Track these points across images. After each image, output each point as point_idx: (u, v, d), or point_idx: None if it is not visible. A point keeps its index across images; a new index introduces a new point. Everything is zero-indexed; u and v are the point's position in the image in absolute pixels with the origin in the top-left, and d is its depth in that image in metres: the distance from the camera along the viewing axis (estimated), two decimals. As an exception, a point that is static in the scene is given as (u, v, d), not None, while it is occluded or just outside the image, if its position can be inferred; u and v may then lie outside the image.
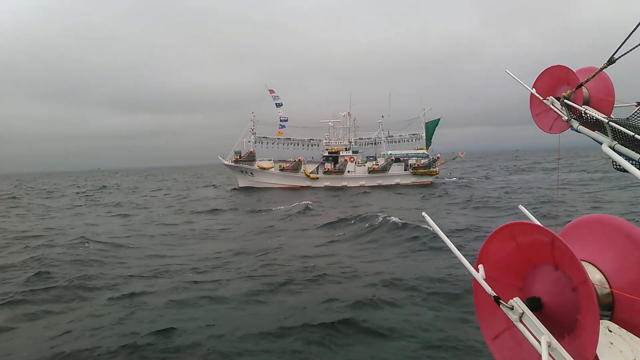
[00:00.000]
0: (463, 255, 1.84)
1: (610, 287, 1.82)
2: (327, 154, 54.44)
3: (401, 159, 53.63)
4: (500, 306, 1.64)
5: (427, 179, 51.77)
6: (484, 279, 1.75)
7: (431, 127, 54.21)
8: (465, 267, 1.81)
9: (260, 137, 54.24)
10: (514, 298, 1.63)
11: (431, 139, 54.45)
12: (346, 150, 54.57)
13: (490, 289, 1.69)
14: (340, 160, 53.29)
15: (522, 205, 2.75)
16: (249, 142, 53.30)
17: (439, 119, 54.29)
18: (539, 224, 1.81)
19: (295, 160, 52.39)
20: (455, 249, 1.90)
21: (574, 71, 3.38)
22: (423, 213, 2.23)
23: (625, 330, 1.72)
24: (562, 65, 3.49)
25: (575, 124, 3.05)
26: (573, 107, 3.11)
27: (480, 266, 1.83)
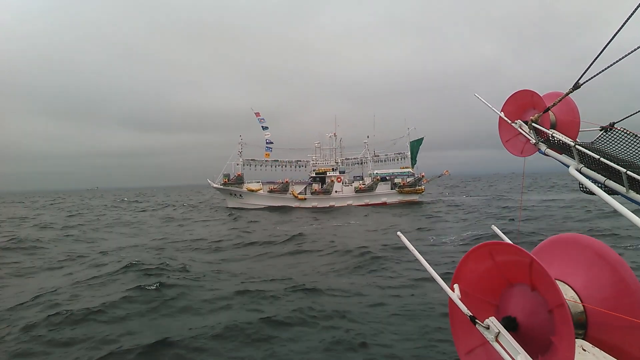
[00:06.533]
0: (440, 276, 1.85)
1: (583, 305, 1.83)
2: (314, 175, 55.34)
3: (387, 178, 54.60)
4: (476, 326, 1.64)
5: (414, 197, 52.56)
6: (460, 299, 1.75)
7: (416, 146, 55.41)
8: (441, 287, 1.79)
9: (248, 159, 55.16)
10: (489, 318, 1.63)
11: (416, 157, 55.54)
12: (333, 170, 55.46)
13: (465, 308, 1.69)
14: (327, 180, 54.17)
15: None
16: (237, 164, 54.22)
17: (422, 137, 55.45)
18: (513, 243, 1.83)
19: (282, 182, 53.23)
20: (431, 268, 1.89)
21: (541, 95, 3.43)
22: (398, 233, 2.21)
23: (598, 349, 1.73)
24: (529, 90, 3.54)
25: (542, 147, 3.09)
26: (540, 130, 3.16)
27: (456, 285, 1.84)
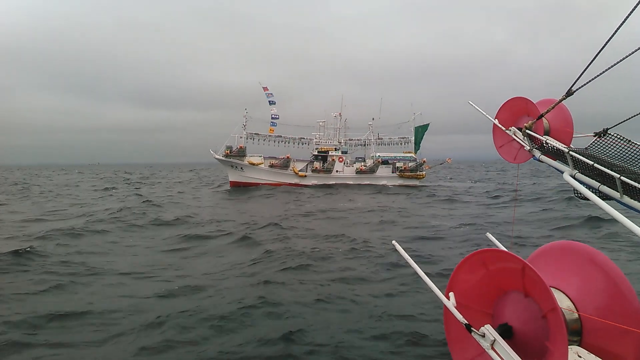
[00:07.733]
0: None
1: (578, 312, 1.84)
2: (316, 153, 55.38)
3: (389, 161, 54.60)
4: (472, 334, 1.65)
5: (414, 182, 52.65)
6: (455, 307, 1.77)
7: (420, 132, 55.13)
8: (436, 295, 1.81)
9: (252, 133, 55.09)
10: (485, 325, 1.64)
11: (420, 143, 55.33)
12: (335, 150, 55.44)
13: (461, 316, 1.70)
14: (329, 159, 54.21)
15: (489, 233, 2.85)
16: (241, 137, 54.20)
17: (428, 124, 55.17)
18: (507, 250, 1.85)
19: (284, 158, 53.34)
20: (426, 277, 1.91)
21: (534, 103, 3.47)
22: (393, 241, 2.24)
23: (594, 356, 1.74)
24: (523, 97, 3.58)
25: (537, 153, 3.11)
26: (534, 137, 3.20)
27: (451, 294, 1.84)
